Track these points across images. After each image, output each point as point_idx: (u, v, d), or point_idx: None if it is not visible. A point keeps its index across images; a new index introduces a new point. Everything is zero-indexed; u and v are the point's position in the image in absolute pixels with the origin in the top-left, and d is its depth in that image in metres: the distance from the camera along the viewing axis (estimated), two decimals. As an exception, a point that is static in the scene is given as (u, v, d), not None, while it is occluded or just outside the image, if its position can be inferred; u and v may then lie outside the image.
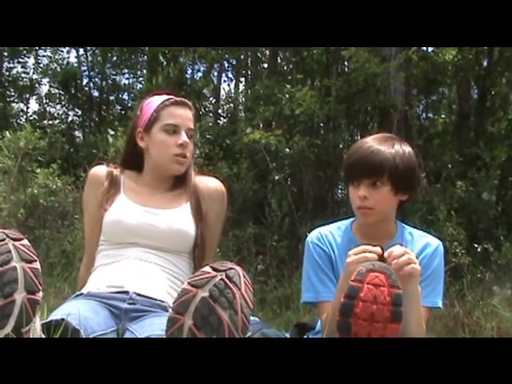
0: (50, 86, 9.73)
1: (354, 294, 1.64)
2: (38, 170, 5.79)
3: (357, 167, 1.97)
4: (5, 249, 1.54)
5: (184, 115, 2.20)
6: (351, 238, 2.05)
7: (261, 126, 6.05)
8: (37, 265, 1.58)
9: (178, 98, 2.22)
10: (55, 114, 9.44)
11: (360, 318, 1.63)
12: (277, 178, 5.53)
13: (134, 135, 2.24)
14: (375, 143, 1.98)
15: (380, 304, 1.63)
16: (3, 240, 1.56)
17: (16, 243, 1.57)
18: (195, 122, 2.27)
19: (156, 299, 2.02)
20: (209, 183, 2.26)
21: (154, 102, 2.22)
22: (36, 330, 1.59)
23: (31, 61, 10.51)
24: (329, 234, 2.09)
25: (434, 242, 2.05)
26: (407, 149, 2.00)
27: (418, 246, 2.03)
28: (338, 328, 1.66)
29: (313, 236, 2.09)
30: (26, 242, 1.60)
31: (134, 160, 2.26)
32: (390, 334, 1.64)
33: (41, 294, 1.57)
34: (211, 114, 7.79)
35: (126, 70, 9.28)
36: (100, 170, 2.26)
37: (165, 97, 2.23)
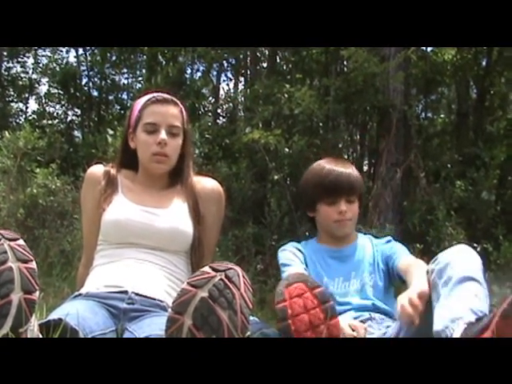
0: (49, 86, 9.71)
1: (284, 315, 1.73)
2: (37, 170, 5.78)
3: (338, 188, 2.29)
4: (0, 249, 1.54)
5: (165, 112, 2.18)
6: (318, 248, 2.37)
7: (260, 125, 6.04)
8: (33, 264, 1.58)
9: (160, 96, 2.21)
10: (54, 114, 9.42)
11: (301, 332, 1.73)
12: (276, 177, 5.52)
13: (127, 135, 2.25)
14: (339, 167, 2.34)
15: (311, 310, 1.73)
16: None
17: (11, 243, 1.57)
18: (184, 118, 2.24)
19: (155, 299, 2.02)
20: (206, 184, 2.26)
21: (140, 101, 2.22)
22: (33, 330, 1.59)
23: (30, 60, 10.50)
24: (300, 245, 2.40)
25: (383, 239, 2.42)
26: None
27: (374, 244, 2.38)
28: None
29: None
30: (21, 241, 1.60)
31: (129, 160, 2.27)
32: (336, 328, 1.76)
33: (37, 293, 1.57)
34: (210, 114, 7.78)
35: (125, 70, 9.25)
36: (97, 170, 2.26)
37: (149, 96, 2.22)
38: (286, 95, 5.65)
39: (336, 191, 2.29)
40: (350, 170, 2.35)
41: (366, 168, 6.55)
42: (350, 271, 2.29)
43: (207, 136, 6.20)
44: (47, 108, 9.56)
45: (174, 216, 2.15)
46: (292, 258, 2.30)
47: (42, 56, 10.30)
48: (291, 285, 1.76)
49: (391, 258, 2.28)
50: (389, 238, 2.41)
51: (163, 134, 2.15)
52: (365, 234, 2.51)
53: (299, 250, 2.35)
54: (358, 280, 2.26)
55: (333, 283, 2.26)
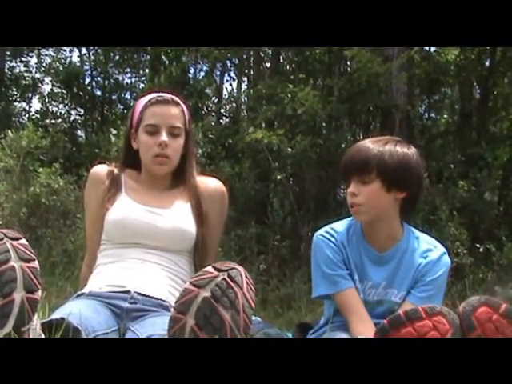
0: (53, 85, 9.75)
1: None
2: (40, 169, 5.80)
3: (346, 166, 2.00)
4: (3, 248, 1.54)
5: (166, 113, 2.16)
6: (360, 240, 2.04)
7: (263, 125, 6.04)
8: (35, 264, 1.58)
9: (160, 96, 2.18)
10: (57, 113, 9.44)
11: None
12: (279, 177, 5.54)
13: (130, 136, 2.24)
14: (366, 143, 1.99)
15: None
16: (1, 239, 1.55)
17: (14, 242, 1.57)
18: (186, 118, 2.22)
19: (158, 299, 2.01)
20: (209, 183, 2.25)
21: (142, 102, 2.21)
22: (36, 329, 1.59)
23: (34, 60, 10.55)
24: (340, 232, 2.06)
25: (437, 251, 2.05)
26: (403, 148, 1.98)
27: (420, 252, 2.04)
28: None
29: (323, 232, 2.07)
30: (24, 241, 1.60)
31: (132, 159, 2.26)
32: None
33: (40, 292, 1.57)
34: (213, 114, 7.80)
35: (128, 70, 9.29)
36: (101, 169, 2.26)
37: (149, 96, 2.20)
38: (289, 95, 5.66)
39: (346, 170, 2.00)
40: (372, 146, 1.96)
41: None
42: (382, 280, 2.02)
43: (210, 136, 6.21)
44: (50, 107, 9.59)
45: (177, 216, 2.15)
46: (337, 270, 2.01)
47: (46, 55, 10.35)
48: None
49: (418, 290, 2.01)
50: (438, 256, 2.04)
51: (164, 136, 2.14)
52: (421, 230, 2.15)
53: (338, 248, 2.03)
54: (386, 292, 2.03)
55: (361, 286, 2.02)
